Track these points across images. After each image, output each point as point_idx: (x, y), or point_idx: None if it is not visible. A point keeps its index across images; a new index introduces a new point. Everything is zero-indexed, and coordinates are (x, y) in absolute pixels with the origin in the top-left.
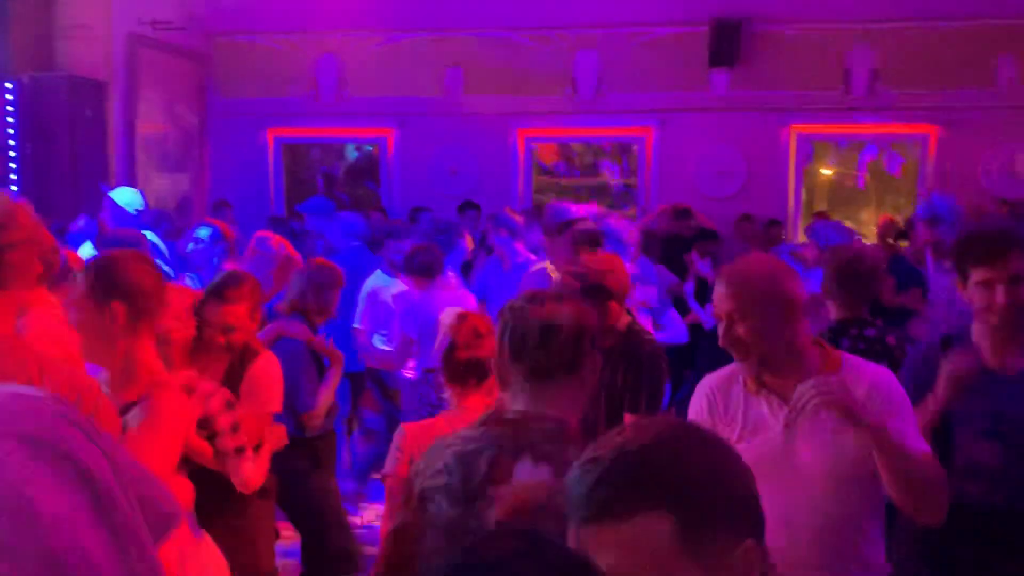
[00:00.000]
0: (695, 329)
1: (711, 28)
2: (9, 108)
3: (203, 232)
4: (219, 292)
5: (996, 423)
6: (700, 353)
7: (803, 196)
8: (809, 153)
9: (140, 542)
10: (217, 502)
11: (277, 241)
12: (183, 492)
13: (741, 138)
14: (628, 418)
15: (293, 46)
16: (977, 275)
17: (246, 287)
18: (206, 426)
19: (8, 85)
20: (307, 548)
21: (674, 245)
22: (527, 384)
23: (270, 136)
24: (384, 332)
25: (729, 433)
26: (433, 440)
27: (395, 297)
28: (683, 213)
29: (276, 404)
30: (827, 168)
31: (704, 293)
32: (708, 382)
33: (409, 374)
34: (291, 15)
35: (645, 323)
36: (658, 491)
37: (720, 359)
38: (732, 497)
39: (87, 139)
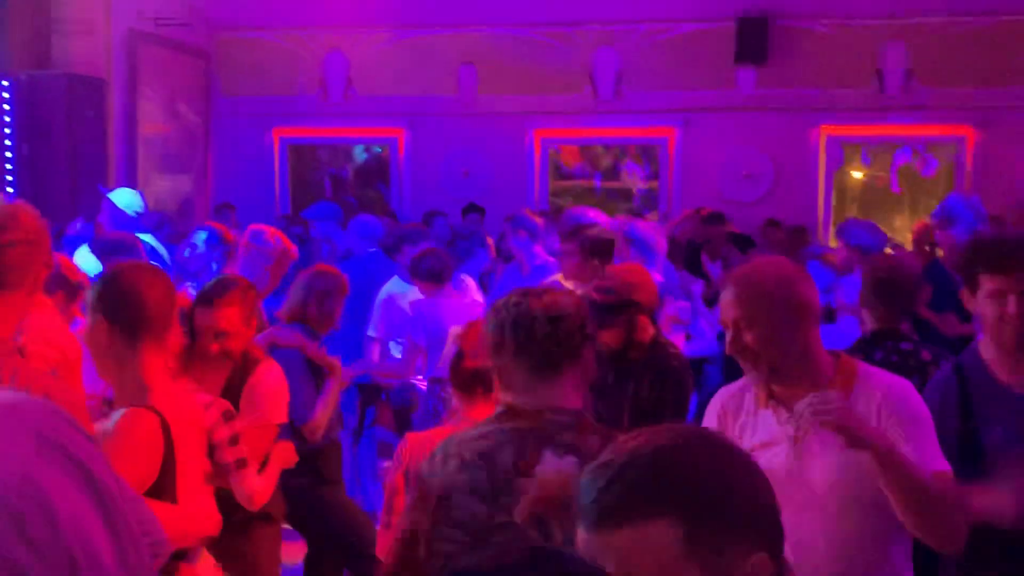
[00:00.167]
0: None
1: (737, 24)
2: (5, 107)
3: (199, 236)
4: (208, 297)
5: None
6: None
7: (833, 201)
8: (839, 155)
9: (140, 551)
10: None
11: (272, 234)
12: (210, 516)
13: (768, 139)
14: None
15: (300, 43)
16: (989, 284)
17: (236, 290)
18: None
19: (4, 83)
20: (322, 566)
21: (701, 252)
22: (533, 376)
23: (275, 136)
24: (401, 340)
25: None
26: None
27: (411, 304)
28: (714, 217)
29: (280, 414)
30: (858, 171)
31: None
32: (721, 394)
33: (420, 384)
34: (297, 10)
35: (677, 339)
36: (668, 498)
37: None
38: (745, 508)
39: (86, 139)
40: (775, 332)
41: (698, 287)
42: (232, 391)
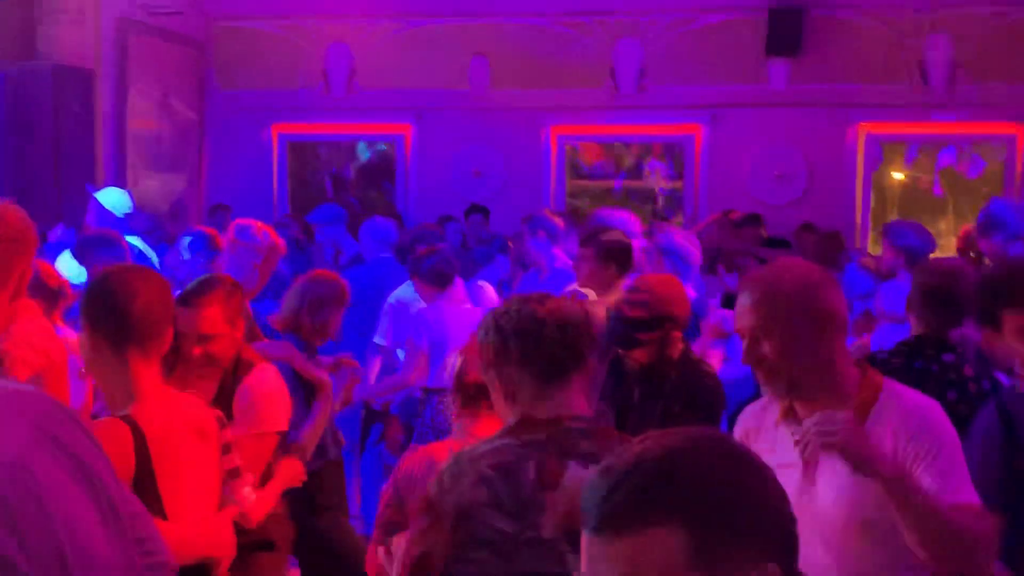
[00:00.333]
0: None
1: (769, 13)
2: None
3: (184, 241)
4: (187, 299)
5: None
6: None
7: (872, 204)
8: (879, 155)
9: (136, 555)
10: None
11: (260, 228)
12: (214, 535)
13: (802, 138)
14: None
15: (301, 33)
16: (1015, 321)
17: (218, 290)
18: None
19: None
20: None
21: (733, 259)
22: (542, 385)
23: (274, 133)
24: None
25: None
26: (429, 468)
27: (416, 309)
28: (749, 220)
29: (278, 422)
30: (899, 172)
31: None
32: (746, 412)
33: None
34: None
35: (718, 353)
36: (674, 504)
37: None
38: (757, 516)
39: (72, 135)
40: (795, 343)
41: (714, 301)
42: (224, 398)
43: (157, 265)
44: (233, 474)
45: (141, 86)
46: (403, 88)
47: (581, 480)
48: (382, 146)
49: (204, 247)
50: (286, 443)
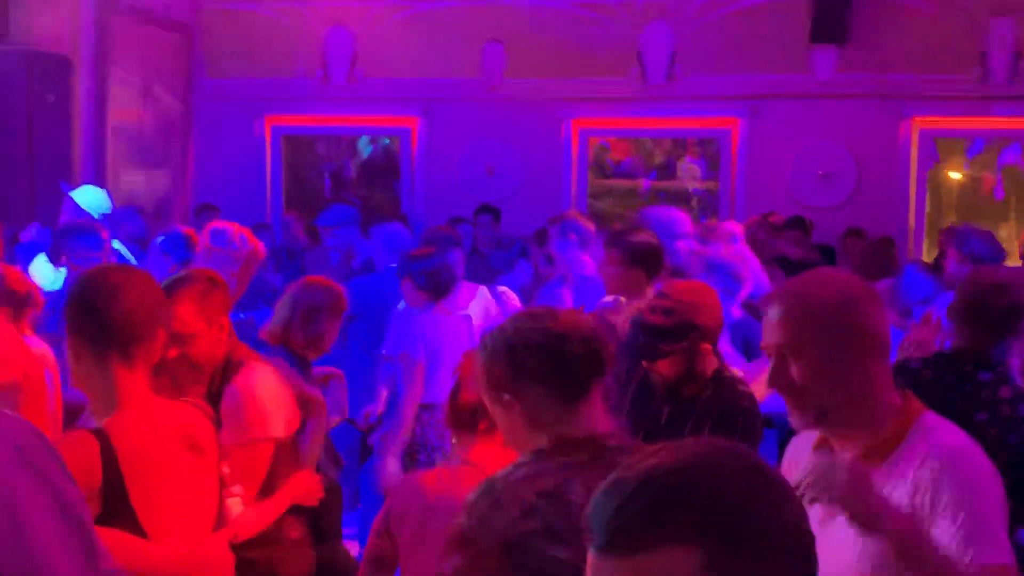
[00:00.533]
0: None
1: None
2: None
3: (158, 241)
4: None
5: None
6: None
7: (926, 207)
8: (934, 153)
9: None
10: None
11: (237, 232)
12: (218, 561)
13: (850, 133)
14: None
15: (297, 16)
16: None
17: (191, 285)
18: None
19: None
20: None
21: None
22: (567, 403)
23: (268, 126)
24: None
25: None
26: (420, 498)
27: (415, 317)
28: (793, 223)
29: (269, 428)
30: (956, 171)
31: None
32: (795, 441)
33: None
34: None
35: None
36: (687, 522)
37: None
38: (774, 536)
39: (47, 126)
40: (827, 365)
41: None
42: (212, 404)
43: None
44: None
45: (122, 74)
46: (409, 77)
47: None
48: (386, 141)
49: (174, 248)
50: (298, 453)
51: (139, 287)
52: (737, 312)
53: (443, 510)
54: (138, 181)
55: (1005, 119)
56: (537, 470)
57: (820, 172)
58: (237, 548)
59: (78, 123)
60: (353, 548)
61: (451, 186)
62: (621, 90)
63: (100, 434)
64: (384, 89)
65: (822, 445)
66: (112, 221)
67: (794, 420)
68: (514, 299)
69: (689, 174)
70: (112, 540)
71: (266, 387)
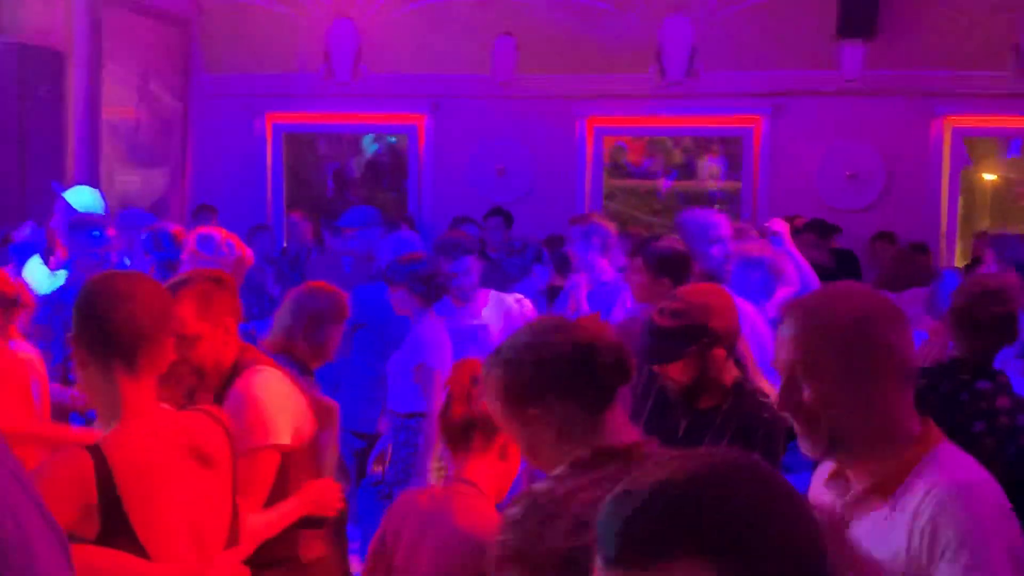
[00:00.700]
0: None
1: None
2: None
3: (141, 237)
4: None
5: None
6: None
7: (959, 210)
8: (968, 153)
9: None
10: None
11: (224, 238)
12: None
13: (879, 132)
14: None
15: (299, 9)
16: None
17: (191, 285)
18: None
19: None
20: None
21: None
22: (594, 414)
23: (268, 123)
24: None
25: None
26: (416, 518)
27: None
28: (812, 226)
29: (272, 434)
30: (991, 173)
31: None
32: (822, 466)
33: None
34: None
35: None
36: (700, 536)
37: None
38: (788, 551)
39: (39, 123)
40: (842, 387)
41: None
42: None
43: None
44: None
45: (117, 69)
46: (416, 73)
47: None
48: (392, 139)
49: (156, 246)
50: (318, 461)
51: (144, 294)
52: (774, 312)
53: (437, 528)
54: (133, 181)
55: None
56: (580, 485)
57: (847, 173)
58: (254, 568)
59: (71, 120)
60: (355, 563)
61: (459, 187)
62: (638, 86)
63: (95, 450)
64: (390, 85)
65: (836, 476)
66: (124, 223)
67: (804, 447)
68: (530, 307)
69: (710, 175)
70: (109, 561)
71: (269, 391)
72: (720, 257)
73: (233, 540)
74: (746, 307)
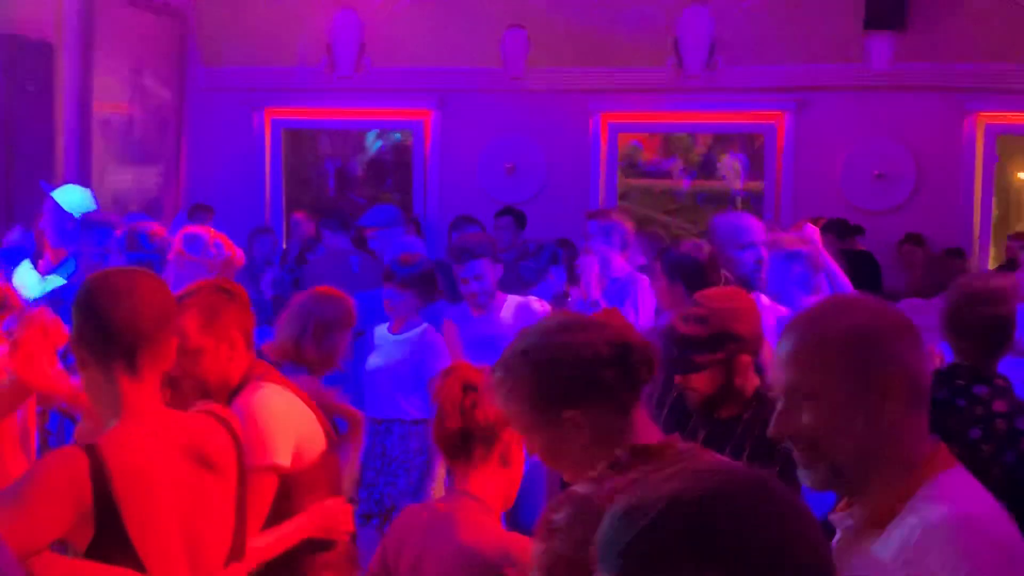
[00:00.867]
0: None
1: None
2: None
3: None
4: None
5: None
6: None
7: (993, 210)
8: (1001, 151)
9: None
10: None
11: (212, 238)
12: None
13: (908, 129)
14: None
15: None
16: None
17: (197, 296)
18: None
19: None
20: None
21: None
22: (625, 414)
23: (267, 119)
24: None
25: None
26: (417, 531)
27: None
28: (832, 226)
29: (270, 454)
30: None
31: None
32: None
33: None
34: None
35: None
36: (710, 554)
37: None
38: (797, 569)
39: (28, 120)
40: (845, 412)
41: None
42: None
43: None
44: None
45: (109, 62)
46: (422, 66)
47: None
48: (396, 136)
49: (129, 246)
50: (330, 480)
51: (145, 292)
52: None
53: (440, 545)
54: (126, 179)
55: None
56: (618, 484)
57: (875, 172)
58: None
59: (61, 115)
60: None
61: (468, 186)
62: (656, 81)
63: (91, 450)
64: (395, 79)
65: (844, 507)
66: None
67: (804, 478)
68: (546, 311)
69: (732, 172)
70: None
71: (269, 410)
72: (752, 263)
73: (236, 554)
74: (780, 310)
